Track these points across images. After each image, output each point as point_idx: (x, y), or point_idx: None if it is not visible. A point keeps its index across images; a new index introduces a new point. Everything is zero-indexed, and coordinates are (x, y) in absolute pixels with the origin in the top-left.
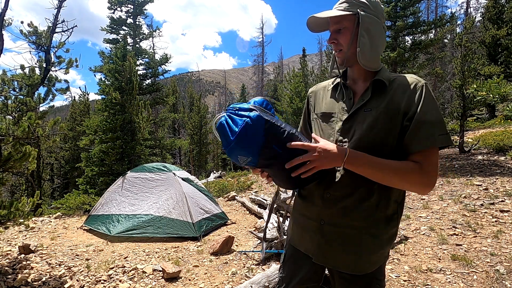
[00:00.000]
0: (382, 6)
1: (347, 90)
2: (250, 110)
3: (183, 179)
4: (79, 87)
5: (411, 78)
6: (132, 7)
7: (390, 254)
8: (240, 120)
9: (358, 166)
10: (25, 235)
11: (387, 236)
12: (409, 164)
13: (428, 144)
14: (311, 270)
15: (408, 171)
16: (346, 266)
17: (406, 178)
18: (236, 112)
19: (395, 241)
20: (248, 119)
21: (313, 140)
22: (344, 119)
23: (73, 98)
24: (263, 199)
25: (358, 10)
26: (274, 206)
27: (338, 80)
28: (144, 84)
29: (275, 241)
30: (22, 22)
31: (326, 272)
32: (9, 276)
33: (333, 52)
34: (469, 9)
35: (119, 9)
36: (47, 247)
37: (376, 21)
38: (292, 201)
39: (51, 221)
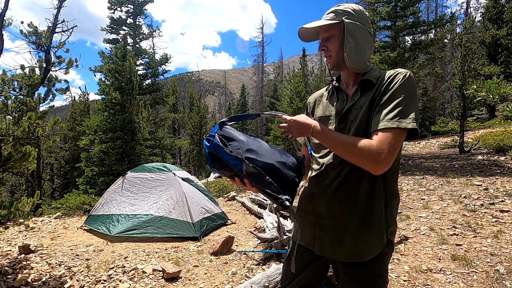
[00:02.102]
0: (381, 7)
1: (340, 93)
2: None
3: (183, 179)
4: (79, 87)
5: (395, 70)
6: (132, 7)
7: None
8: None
9: (321, 137)
10: (25, 235)
11: (379, 223)
12: (364, 140)
13: (383, 125)
14: (315, 266)
15: (360, 145)
16: (342, 254)
17: (357, 152)
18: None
19: (395, 241)
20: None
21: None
22: (338, 120)
23: (73, 98)
24: (263, 199)
25: (343, 18)
26: (274, 206)
27: (332, 85)
28: (144, 84)
29: (275, 241)
30: (22, 22)
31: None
32: (9, 276)
33: (325, 60)
34: (469, 9)
35: (119, 9)
36: (47, 247)
37: (360, 27)
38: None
39: (51, 221)
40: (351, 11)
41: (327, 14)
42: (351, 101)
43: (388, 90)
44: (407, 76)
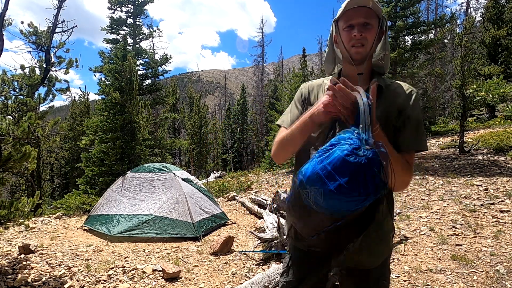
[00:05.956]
0: (382, 6)
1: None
2: None
3: (183, 179)
4: (79, 87)
5: (405, 85)
6: (132, 7)
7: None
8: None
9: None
10: (25, 235)
11: (387, 227)
12: (406, 162)
13: (416, 147)
14: (320, 273)
15: (407, 167)
16: (356, 261)
17: (405, 173)
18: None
19: (395, 241)
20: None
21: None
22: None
23: (73, 98)
24: (263, 199)
25: (382, 15)
26: (274, 206)
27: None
28: (144, 84)
29: (275, 241)
30: (22, 22)
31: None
32: (9, 276)
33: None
34: (469, 9)
35: (119, 9)
36: (47, 247)
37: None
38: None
39: (51, 221)
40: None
41: (374, 1)
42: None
43: (410, 110)
44: (418, 96)
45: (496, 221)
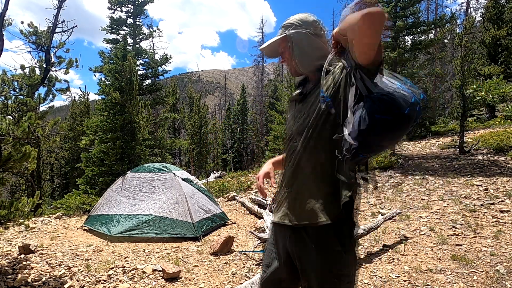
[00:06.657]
0: (382, 6)
1: (306, 82)
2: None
3: (183, 179)
4: (79, 87)
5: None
6: (132, 7)
7: (390, 254)
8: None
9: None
10: (25, 235)
11: (324, 189)
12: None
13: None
14: (287, 260)
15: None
16: (308, 218)
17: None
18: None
19: (395, 241)
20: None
21: None
22: (300, 100)
23: (73, 98)
24: (263, 199)
25: (289, 30)
26: (274, 206)
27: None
28: (144, 84)
29: None
30: (22, 22)
31: None
32: (9, 276)
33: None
34: (469, 9)
35: (119, 9)
36: (47, 247)
37: (303, 34)
38: None
39: (51, 221)
40: (295, 22)
41: (279, 31)
42: (311, 88)
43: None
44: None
45: (496, 221)
